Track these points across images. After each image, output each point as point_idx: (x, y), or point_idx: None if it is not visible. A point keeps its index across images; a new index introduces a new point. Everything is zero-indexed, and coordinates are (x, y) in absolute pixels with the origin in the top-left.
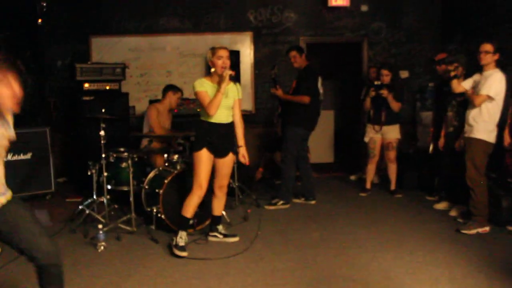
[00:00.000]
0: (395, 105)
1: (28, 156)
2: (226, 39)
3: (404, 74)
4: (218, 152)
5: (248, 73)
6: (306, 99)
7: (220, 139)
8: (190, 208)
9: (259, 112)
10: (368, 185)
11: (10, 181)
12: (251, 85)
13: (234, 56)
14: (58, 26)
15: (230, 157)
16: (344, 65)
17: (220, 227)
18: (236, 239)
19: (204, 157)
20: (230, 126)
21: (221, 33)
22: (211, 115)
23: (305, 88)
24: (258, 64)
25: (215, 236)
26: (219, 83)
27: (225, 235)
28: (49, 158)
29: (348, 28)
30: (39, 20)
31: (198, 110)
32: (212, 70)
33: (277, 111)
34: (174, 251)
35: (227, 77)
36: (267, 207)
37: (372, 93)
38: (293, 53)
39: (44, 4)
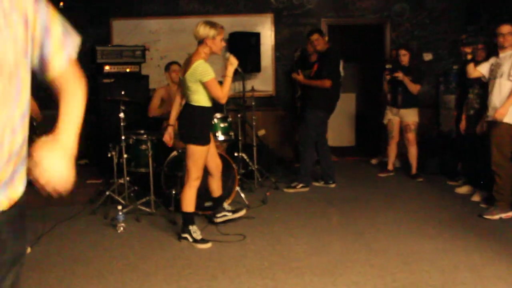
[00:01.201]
0: (412, 88)
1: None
2: (246, 21)
3: (427, 56)
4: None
5: (268, 55)
6: (328, 83)
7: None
8: (191, 202)
9: (279, 94)
10: (390, 166)
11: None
12: (272, 67)
13: (255, 38)
14: (79, 9)
15: (212, 137)
16: (366, 47)
17: (225, 205)
18: (243, 212)
19: (207, 149)
20: None
21: (241, 15)
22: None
23: (327, 71)
24: (278, 46)
25: (225, 215)
26: (226, 68)
27: (233, 211)
28: None
29: (370, 9)
30: (61, 4)
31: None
32: (206, 49)
33: (296, 94)
34: (197, 246)
35: (236, 64)
36: (286, 190)
37: (387, 77)
38: (315, 36)
39: None
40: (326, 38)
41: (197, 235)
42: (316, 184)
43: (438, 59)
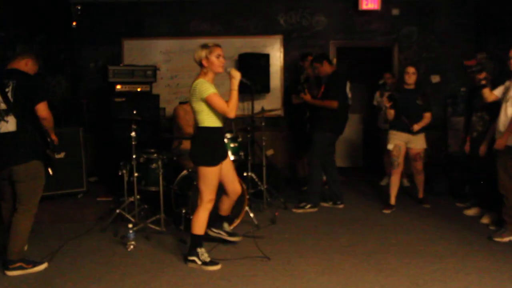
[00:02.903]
0: (427, 120)
1: (62, 155)
2: (256, 42)
3: (435, 78)
4: (221, 157)
5: (277, 76)
6: (334, 104)
7: (223, 142)
8: (203, 224)
9: (287, 114)
10: (392, 201)
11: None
12: (280, 88)
13: (264, 59)
14: (91, 29)
15: (229, 159)
16: (374, 68)
17: (225, 225)
18: (238, 238)
19: (218, 170)
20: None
21: (251, 36)
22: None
23: (333, 93)
24: (287, 67)
25: (219, 233)
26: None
27: (229, 234)
28: (82, 157)
29: (378, 32)
30: (74, 23)
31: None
32: (205, 69)
33: (305, 116)
34: (207, 269)
35: (239, 76)
36: (295, 210)
37: (387, 104)
38: (316, 64)
39: (79, 7)
40: (335, 61)
41: (205, 257)
42: (325, 204)
43: (446, 81)
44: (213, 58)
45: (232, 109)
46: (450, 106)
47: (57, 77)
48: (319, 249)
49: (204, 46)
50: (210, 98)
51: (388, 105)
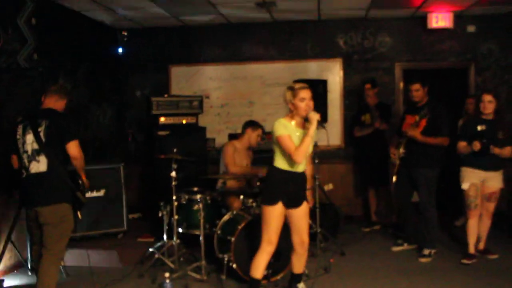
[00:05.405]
0: (506, 152)
1: (101, 193)
2: (313, 67)
3: None
4: (292, 204)
5: (337, 103)
6: (446, 141)
7: (296, 190)
8: (259, 266)
9: (348, 146)
10: (471, 249)
11: (83, 219)
12: (340, 116)
13: (322, 86)
14: (138, 56)
15: (305, 208)
16: (445, 94)
17: (300, 285)
18: None
19: (277, 211)
20: (304, 174)
21: (308, 60)
22: (298, 163)
23: (444, 128)
24: (348, 93)
25: None
26: (302, 127)
27: None
28: (122, 195)
29: (451, 52)
30: (120, 50)
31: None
32: (291, 113)
33: (398, 153)
34: None
35: (316, 121)
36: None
37: (478, 145)
38: (417, 86)
39: (125, 34)
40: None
41: None
42: (396, 249)
43: None
44: (297, 102)
45: (299, 153)
46: None
47: (102, 106)
48: None
49: (290, 89)
50: (280, 139)
51: (476, 150)
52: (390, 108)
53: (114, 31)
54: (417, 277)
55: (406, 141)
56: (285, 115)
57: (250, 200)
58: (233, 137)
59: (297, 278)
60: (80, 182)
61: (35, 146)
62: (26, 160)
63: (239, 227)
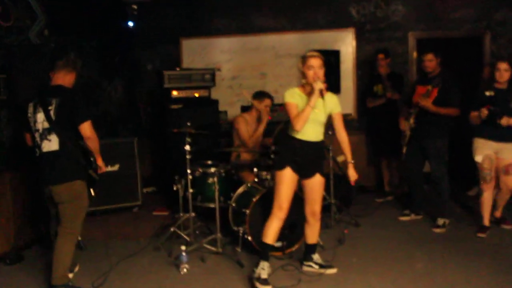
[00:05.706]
0: None
1: (116, 167)
2: (325, 37)
3: None
4: (303, 173)
5: (349, 74)
6: (457, 113)
7: (306, 158)
8: (271, 232)
9: (361, 117)
10: (486, 221)
11: (98, 194)
12: (353, 88)
13: (334, 57)
14: (148, 29)
15: (318, 180)
16: (460, 63)
17: (315, 257)
18: (333, 270)
19: (286, 177)
20: (320, 145)
21: (319, 30)
22: (297, 130)
23: (456, 99)
24: (360, 64)
25: (310, 266)
26: (309, 95)
27: (321, 266)
28: (137, 170)
29: (465, 19)
30: (130, 24)
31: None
32: (303, 81)
33: (409, 124)
34: (256, 285)
35: (318, 91)
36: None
37: (485, 112)
38: (430, 56)
39: (135, 7)
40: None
41: (264, 273)
42: (403, 218)
43: None
44: (305, 69)
45: (298, 121)
46: None
47: (113, 81)
48: (390, 278)
49: (301, 57)
50: (286, 105)
51: (484, 116)
52: (402, 78)
53: (124, 4)
54: (431, 246)
55: (417, 111)
56: (298, 85)
57: (264, 173)
58: (246, 109)
59: (312, 248)
60: (92, 159)
61: (46, 125)
62: (38, 139)
63: (254, 200)
